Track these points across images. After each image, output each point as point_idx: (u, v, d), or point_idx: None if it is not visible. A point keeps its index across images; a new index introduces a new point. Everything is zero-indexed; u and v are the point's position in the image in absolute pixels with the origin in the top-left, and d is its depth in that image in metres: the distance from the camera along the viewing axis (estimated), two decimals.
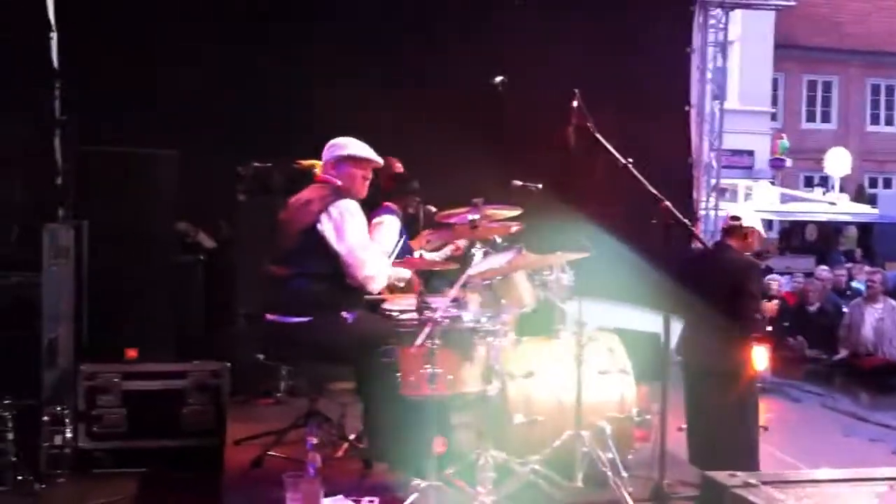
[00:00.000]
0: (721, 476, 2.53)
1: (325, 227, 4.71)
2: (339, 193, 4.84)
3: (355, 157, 4.97)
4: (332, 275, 4.71)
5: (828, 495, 2.42)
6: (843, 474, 2.55)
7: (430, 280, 5.98)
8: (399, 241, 6.22)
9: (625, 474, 4.73)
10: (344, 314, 4.73)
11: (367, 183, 5.05)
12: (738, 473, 2.53)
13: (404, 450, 4.54)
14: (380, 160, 5.07)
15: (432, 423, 4.26)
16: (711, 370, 5.16)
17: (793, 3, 26.09)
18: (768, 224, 22.46)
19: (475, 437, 4.92)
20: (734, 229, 5.31)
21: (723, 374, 5.14)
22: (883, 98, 31.68)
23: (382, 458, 4.82)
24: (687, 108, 9.75)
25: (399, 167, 7.20)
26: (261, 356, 5.70)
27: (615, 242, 5.30)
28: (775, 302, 5.38)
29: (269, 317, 4.85)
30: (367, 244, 4.77)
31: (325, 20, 8.48)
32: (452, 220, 5.19)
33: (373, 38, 8.54)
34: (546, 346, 5.30)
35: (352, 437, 5.30)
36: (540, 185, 6.88)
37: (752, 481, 2.45)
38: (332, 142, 5.05)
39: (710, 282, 5.22)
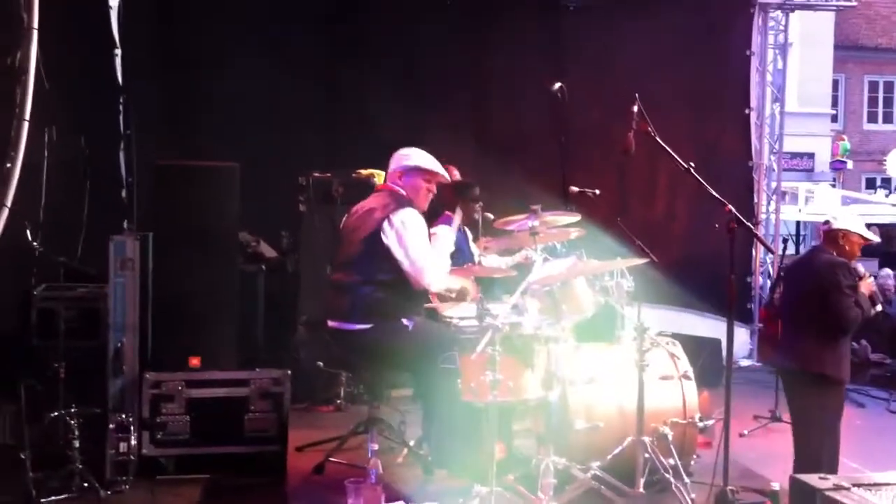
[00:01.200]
0: (811, 479, 2.51)
1: (388, 235, 4.75)
2: (402, 202, 4.87)
3: (422, 168, 4.99)
4: (393, 282, 4.74)
5: None
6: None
7: (490, 288, 5.99)
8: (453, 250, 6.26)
9: (687, 480, 4.69)
10: (404, 321, 4.76)
11: (431, 196, 5.06)
12: (829, 476, 2.50)
13: (465, 456, 4.56)
14: (446, 175, 5.08)
15: (493, 429, 4.26)
16: (805, 372, 5.12)
17: (853, 4, 25.60)
18: None
19: (536, 443, 4.92)
20: (827, 234, 5.28)
21: (816, 376, 5.09)
22: None
23: (443, 465, 4.83)
24: (747, 111, 9.64)
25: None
26: (321, 363, 5.76)
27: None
28: (870, 280, 5.26)
29: (331, 323, 4.89)
30: (427, 252, 4.78)
31: (382, 29, 8.53)
32: (511, 227, 5.19)
33: (428, 44, 8.57)
34: (607, 352, 5.28)
35: (412, 443, 5.32)
36: (598, 191, 6.85)
37: (844, 484, 2.42)
38: (399, 151, 5.08)
39: (803, 285, 5.20)
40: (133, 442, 5.26)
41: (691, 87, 9.24)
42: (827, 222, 5.31)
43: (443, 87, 8.51)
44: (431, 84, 8.46)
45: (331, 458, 5.12)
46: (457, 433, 4.62)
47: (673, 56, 9.11)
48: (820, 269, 5.13)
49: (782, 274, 5.48)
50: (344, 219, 5.09)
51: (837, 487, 2.42)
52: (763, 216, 9.87)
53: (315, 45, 8.39)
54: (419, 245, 4.75)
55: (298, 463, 5.25)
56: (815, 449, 5.15)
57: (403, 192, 4.95)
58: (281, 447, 5.32)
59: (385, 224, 4.76)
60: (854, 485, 2.44)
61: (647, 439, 4.71)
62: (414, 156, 5.01)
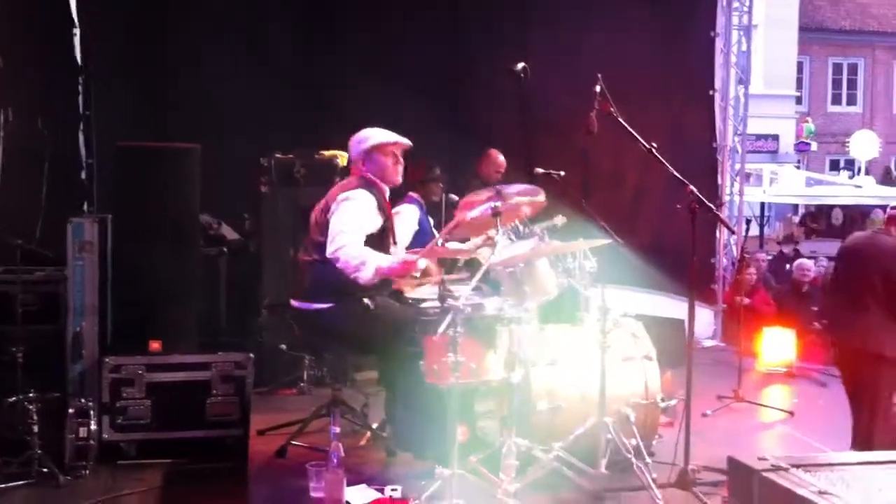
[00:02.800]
0: (749, 459, 2.51)
1: (330, 214, 4.74)
2: (360, 185, 4.84)
3: (379, 144, 4.95)
4: None
5: (859, 478, 2.39)
6: (875, 457, 2.51)
7: (452, 269, 5.98)
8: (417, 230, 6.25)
9: (649, 460, 4.71)
10: (366, 301, 4.72)
11: (400, 167, 5.01)
12: (768, 456, 2.51)
13: (427, 438, 4.55)
14: (406, 141, 5.03)
15: (455, 411, 4.25)
16: (863, 351, 5.21)
17: None
18: (793, 208, 22.28)
19: (499, 424, 4.92)
20: (892, 219, 5.38)
21: (874, 356, 5.18)
22: None
23: (406, 447, 4.83)
24: (711, 92, 9.66)
25: (501, 158, 7.34)
26: (283, 346, 5.72)
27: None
28: None
29: (294, 303, 4.87)
30: (342, 229, 4.67)
31: (346, 11, 8.45)
32: (475, 209, 5.16)
33: (393, 26, 8.51)
34: (569, 334, 5.29)
35: (375, 425, 5.31)
36: (562, 173, 6.85)
37: (783, 464, 2.43)
38: (354, 137, 5.02)
39: (867, 266, 5.28)
40: (93, 427, 5.20)
41: (655, 68, 9.24)
42: (895, 207, 5.46)
43: (411, 68, 8.43)
44: (398, 66, 8.39)
45: (293, 442, 5.10)
46: (419, 415, 4.61)
47: (637, 38, 9.10)
48: (887, 251, 5.23)
49: (839, 253, 5.68)
50: None
51: (775, 468, 2.43)
52: (727, 198, 9.91)
53: (281, 28, 8.29)
54: (337, 221, 4.69)
55: (260, 447, 5.21)
56: (867, 427, 5.26)
57: (369, 176, 4.91)
58: (243, 431, 5.29)
59: (332, 205, 4.75)
60: (793, 465, 2.45)
61: (608, 420, 4.72)
62: (367, 136, 4.97)
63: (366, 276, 4.68)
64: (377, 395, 5.58)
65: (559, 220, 6.23)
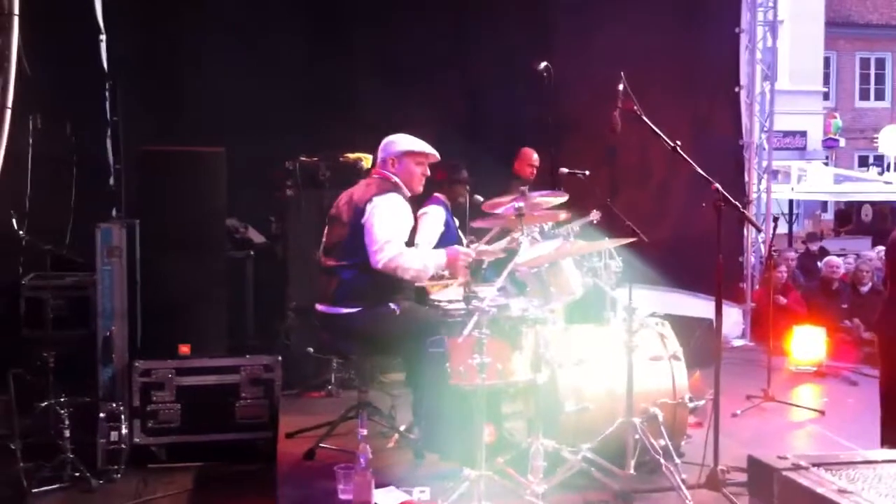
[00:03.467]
0: (769, 458, 2.48)
1: (366, 218, 4.74)
2: (386, 188, 4.86)
3: (413, 151, 4.96)
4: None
5: (881, 476, 2.36)
6: (891, 454, 2.47)
7: (481, 270, 5.98)
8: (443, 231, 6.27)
9: (678, 461, 4.69)
10: (392, 305, 4.74)
11: (424, 178, 5.04)
12: (789, 455, 2.48)
13: (455, 439, 4.55)
14: (437, 154, 5.05)
15: (482, 412, 4.25)
16: None
17: None
18: (822, 205, 22.07)
19: (526, 425, 4.91)
20: None
21: None
22: None
23: (433, 449, 4.82)
24: (737, 89, 9.60)
25: (535, 157, 7.45)
26: (311, 349, 5.75)
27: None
28: None
29: (320, 308, 4.88)
30: (391, 238, 4.71)
31: (363, 12, 8.47)
32: (499, 209, 5.16)
33: (414, 27, 8.51)
34: (596, 334, 5.26)
35: (402, 427, 5.32)
36: (587, 172, 6.85)
37: (803, 463, 2.40)
38: (388, 138, 5.04)
39: None
40: (124, 431, 5.26)
41: (680, 65, 9.20)
42: None
43: (430, 70, 8.45)
44: (418, 68, 8.40)
45: (321, 444, 5.11)
46: (446, 417, 4.61)
47: (661, 35, 9.06)
48: None
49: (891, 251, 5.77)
50: (334, 204, 5.06)
51: (796, 467, 2.40)
52: (754, 195, 9.84)
53: (300, 30, 8.32)
54: (382, 228, 4.71)
55: (289, 449, 5.23)
56: None
57: (394, 178, 4.93)
58: (272, 434, 5.31)
59: (366, 207, 4.75)
60: (814, 464, 2.41)
61: (636, 420, 4.69)
62: (402, 141, 4.99)
63: (426, 275, 4.82)
64: (404, 397, 5.59)
65: (594, 215, 6.24)
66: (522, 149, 7.67)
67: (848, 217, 20.46)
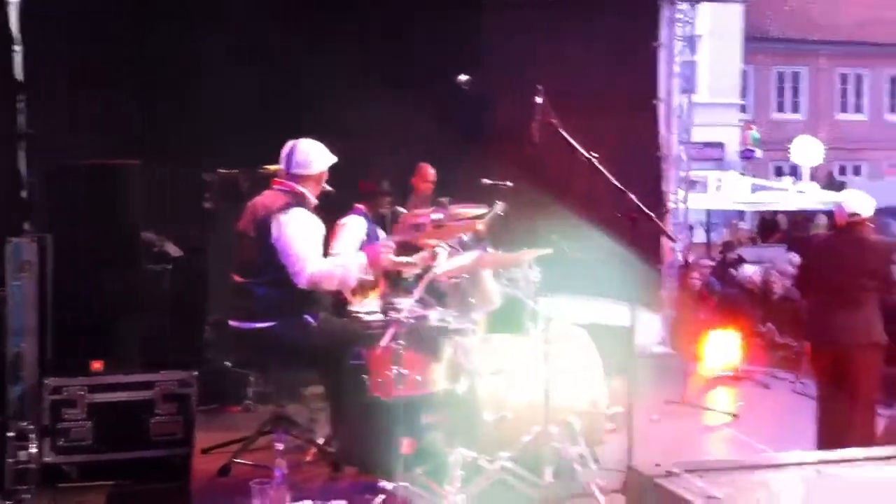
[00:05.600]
0: (645, 467, 2.52)
1: (275, 234, 4.69)
2: (293, 202, 4.81)
3: (313, 161, 4.93)
4: (288, 280, 4.68)
5: (749, 482, 2.39)
6: (769, 459, 2.50)
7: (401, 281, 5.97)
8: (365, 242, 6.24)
9: (594, 467, 4.74)
10: (308, 317, 4.71)
11: (323, 184, 5.00)
12: (663, 463, 2.51)
13: (373, 451, 4.53)
14: (333, 157, 5.01)
15: (400, 423, 4.24)
16: (865, 344, 5.39)
17: None
18: (739, 214, 22.57)
19: (445, 436, 4.91)
20: (856, 222, 5.71)
21: (875, 345, 5.51)
22: (852, 87, 31.99)
23: (351, 461, 4.81)
24: (655, 102, 9.75)
25: (432, 172, 7.41)
26: (228, 363, 5.66)
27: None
28: None
29: (234, 324, 4.83)
30: (308, 254, 4.69)
31: (289, 20, 8.41)
32: (418, 220, 5.17)
33: (339, 36, 8.48)
34: (515, 344, 5.30)
35: (321, 440, 5.27)
36: (510, 183, 6.89)
37: (676, 470, 2.43)
38: (288, 146, 5.01)
39: (852, 265, 5.61)
40: (34, 450, 5.10)
41: (600, 79, 9.30)
42: (855, 213, 5.73)
43: (354, 79, 8.42)
44: (342, 77, 8.36)
45: (236, 460, 5.05)
46: (364, 429, 4.59)
47: (582, 49, 9.17)
48: (867, 249, 5.60)
49: (813, 256, 6.14)
50: (241, 218, 5.00)
51: (669, 474, 2.43)
52: (672, 205, 10.00)
53: (222, 42, 8.23)
54: (297, 246, 4.68)
55: (205, 465, 5.16)
56: (869, 421, 5.53)
57: (299, 189, 4.89)
58: (187, 450, 5.22)
59: (273, 224, 4.71)
60: (688, 471, 2.45)
61: (554, 429, 4.73)
62: (313, 158, 4.94)
63: (352, 281, 4.83)
64: (323, 410, 5.54)
65: (500, 206, 6.25)
66: (420, 164, 7.78)
67: (773, 226, 20.94)
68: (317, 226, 4.82)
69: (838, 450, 2.68)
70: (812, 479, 2.36)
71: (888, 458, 2.45)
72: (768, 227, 21.16)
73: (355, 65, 8.39)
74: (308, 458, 5.21)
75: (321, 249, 4.77)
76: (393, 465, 4.21)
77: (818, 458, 2.47)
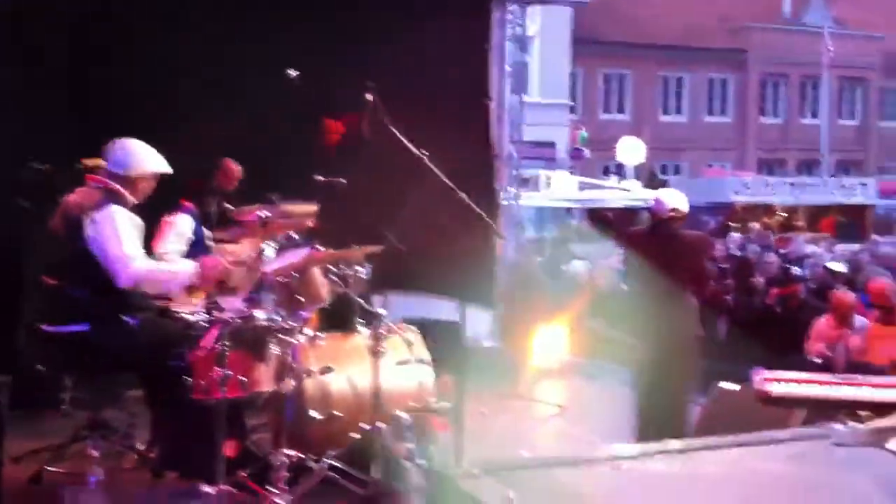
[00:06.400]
0: (448, 467, 2.54)
1: (91, 234, 4.49)
2: (107, 199, 4.61)
3: (146, 175, 4.74)
4: (106, 281, 4.48)
5: (546, 480, 2.43)
6: (569, 457, 2.54)
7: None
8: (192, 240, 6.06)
9: (424, 463, 4.75)
10: (127, 319, 4.52)
11: (147, 186, 4.81)
12: (465, 464, 2.54)
13: (195, 456, 4.39)
14: (167, 168, 4.83)
15: (223, 426, 4.14)
16: (688, 337, 5.53)
17: (586, 0, 27.19)
18: (568, 212, 23.31)
19: (271, 437, 4.83)
20: (675, 217, 5.89)
21: (686, 338, 5.72)
22: (673, 90, 33.54)
23: (172, 466, 4.65)
24: (487, 101, 9.89)
25: (237, 170, 7.08)
26: (41, 367, 5.39)
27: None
28: None
29: (47, 328, 4.60)
30: (129, 253, 4.51)
31: (99, 7, 8.05)
32: (245, 218, 5.08)
33: (155, 24, 8.18)
34: (343, 341, 5.25)
35: (140, 446, 5.08)
36: (343, 180, 6.84)
37: (475, 471, 2.46)
38: (123, 147, 4.77)
39: (672, 260, 5.75)
40: None
41: (432, 78, 9.33)
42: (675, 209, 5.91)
43: (174, 69, 8.15)
44: (160, 66, 8.08)
45: (49, 468, 4.81)
46: (186, 433, 4.46)
47: (414, 47, 9.20)
48: (691, 243, 5.84)
49: (634, 250, 6.27)
50: (52, 217, 4.76)
51: (468, 475, 2.46)
52: (505, 203, 10.18)
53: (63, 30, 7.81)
54: (115, 246, 4.49)
55: (16, 474, 4.87)
56: (681, 412, 5.76)
57: (114, 186, 4.68)
58: None
59: (87, 223, 4.51)
60: (487, 471, 2.48)
61: (383, 426, 4.73)
62: (137, 160, 4.74)
63: (176, 288, 4.67)
64: (143, 414, 5.34)
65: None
66: (224, 160, 7.30)
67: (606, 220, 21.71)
68: (133, 223, 4.62)
69: (642, 443, 2.76)
70: (609, 475, 2.42)
71: (682, 450, 2.55)
72: (603, 221, 21.91)
73: (177, 62, 8.14)
74: (127, 465, 5.02)
75: (140, 248, 4.58)
76: (216, 469, 4.10)
77: (614, 453, 2.53)
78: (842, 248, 16.55)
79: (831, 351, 7.60)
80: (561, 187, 20.29)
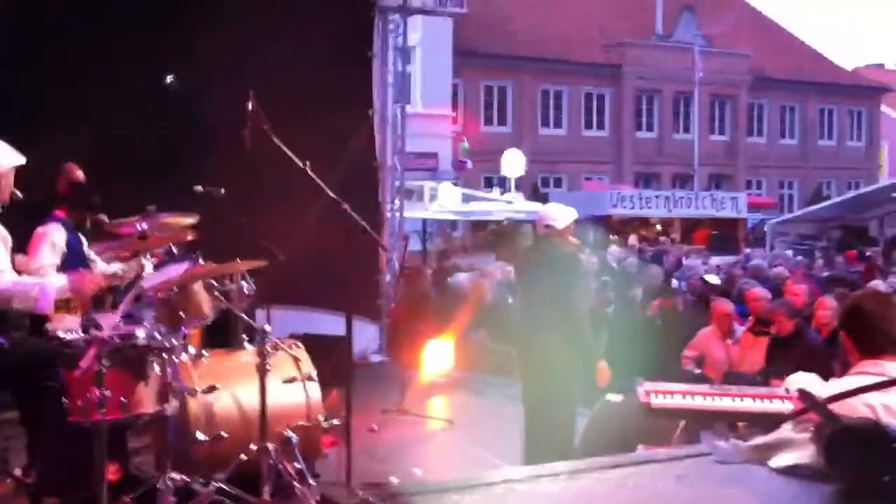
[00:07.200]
0: (341, 495, 2.47)
1: None
2: None
3: (5, 170, 4.50)
4: None
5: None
6: (459, 481, 2.49)
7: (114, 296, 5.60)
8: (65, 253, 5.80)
9: (313, 483, 4.66)
10: None
11: (5, 185, 4.55)
12: (361, 491, 2.48)
13: (75, 480, 4.20)
14: (21, 159, 4.59)
15: (103, 449, 3.95)
16: (559, 348, 5.57)
17: (465, 12, 27.46)
18: (452, 224, 23.46)
19: (155, 459, 4.66)
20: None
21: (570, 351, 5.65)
22: (552, 102, 34.12)
23: (52, 492, 4.43)
24: (370, 111, 9.84)
25: (80, 175, 6.68)
26: None
27: None
28: None
29: None
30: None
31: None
32: (122, 230, 4.89)
33: (38, 28, 7.86)
34: (228, 359, 5.11)
35: (17, 471, 4.82)
36: (223, 190, 6.66)
37: (371, 498, 2.41)
38: None
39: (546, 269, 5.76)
40: None
41: (315, 87, 9.24)
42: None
43: (57, 73, 7.83)
44: (43, 68, 7.76)
45: None
46: (65, 457, 4.25)
47: (297, 56, 9.08)
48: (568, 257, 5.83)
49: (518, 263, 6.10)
50: None
51: (364, 502, 2.42)
52: (388, 214, 10.14)
53: None
54: None
55: None
56: (567, 436, 5.71)
57: None
58: None
59: None
60: (381, 497, 2.43)
61: (271, 445, 4.61)
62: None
63: (46, 303, 4.43)
64: (19, 437, 5.08)
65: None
66: (67, 164, 6.53)
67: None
68: (1, 236, 4.39)
69: (528, 466, 2.74)
70: (498, 496, 2.38)
71: (573, 472, 2.55)
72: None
73: (56, 66, 7.83)
74: (3, 491, 4.76)
75: (8, 262, 4.34)
76: (98, 494, 3.92)
77: (503, 477, 2.50)
78: (716, 260, 17.13)
79: (709, 360, 7.82)
80: (445, 199, 20.38)
